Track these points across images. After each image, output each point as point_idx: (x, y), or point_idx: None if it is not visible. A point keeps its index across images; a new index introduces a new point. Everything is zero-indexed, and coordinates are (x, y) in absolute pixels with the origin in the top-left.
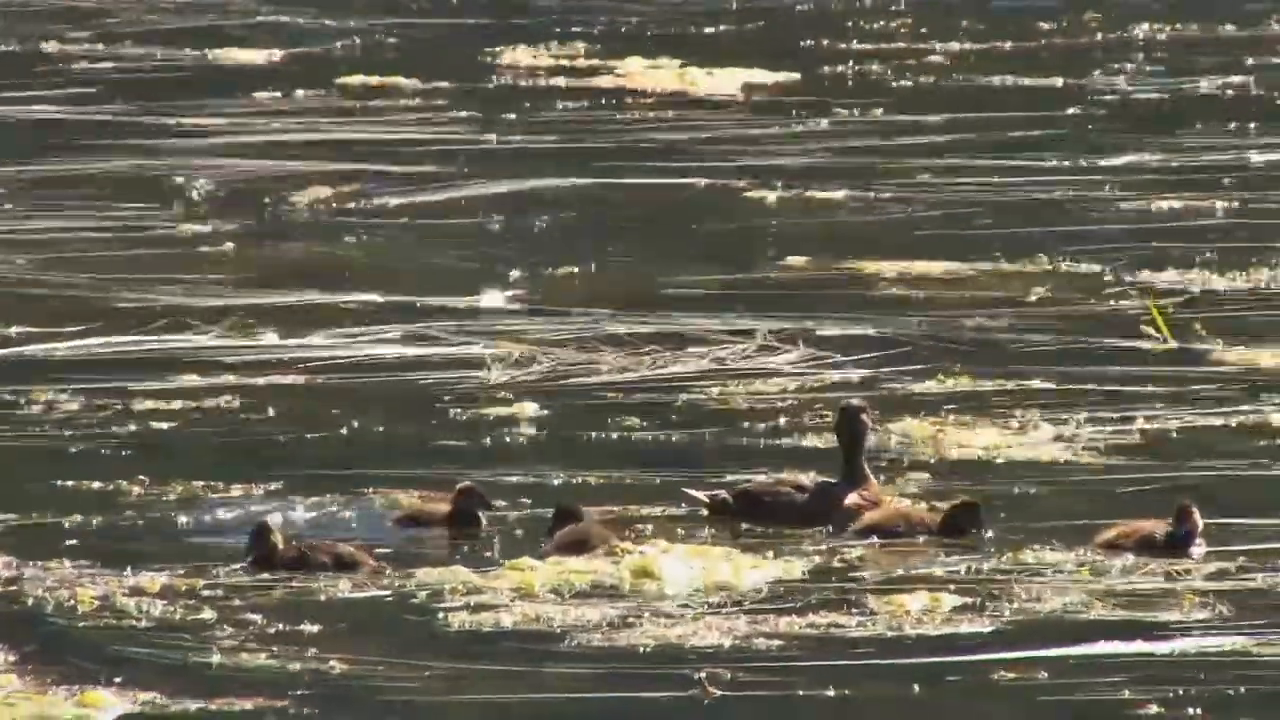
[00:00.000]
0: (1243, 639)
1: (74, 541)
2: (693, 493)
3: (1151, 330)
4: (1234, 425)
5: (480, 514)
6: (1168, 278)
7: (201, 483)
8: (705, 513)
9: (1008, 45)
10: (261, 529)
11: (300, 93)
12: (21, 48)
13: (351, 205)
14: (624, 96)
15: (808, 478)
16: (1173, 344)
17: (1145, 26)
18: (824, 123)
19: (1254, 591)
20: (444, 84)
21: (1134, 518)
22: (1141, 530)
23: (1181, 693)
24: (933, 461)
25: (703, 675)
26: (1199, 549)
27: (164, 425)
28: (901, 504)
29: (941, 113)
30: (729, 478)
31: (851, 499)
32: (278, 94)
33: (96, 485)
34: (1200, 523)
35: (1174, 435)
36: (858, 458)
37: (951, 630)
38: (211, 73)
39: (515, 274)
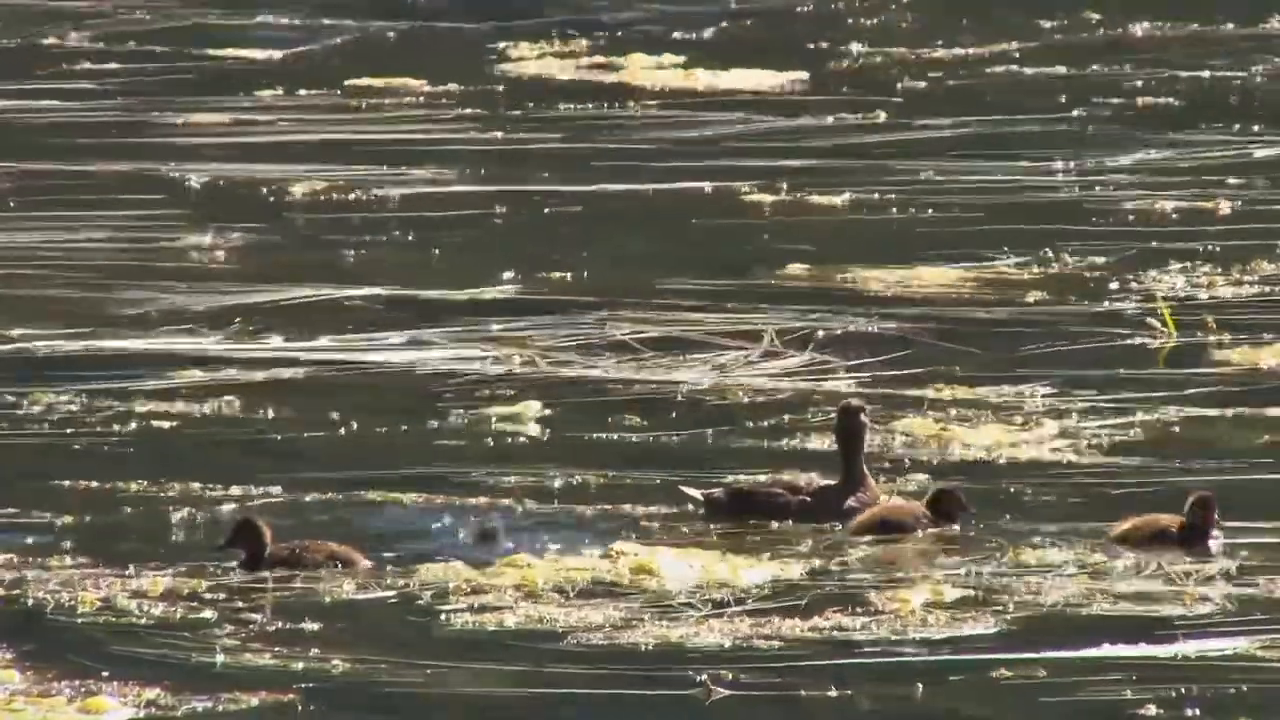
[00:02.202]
0: (1244, 639)
1: (75, 542)
2: (688, 491)
3: (1157, 324)
4: (1237, 423)
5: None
6: (1171, 276)
7: (202, 483)
8: (701, 511)
9: (1010, 44)
10: (247, 524)
11: (302, 92)
12: (21, 48)
13: (353, 205)
14: (628, 96)
15: (805, 478)
16: (1176, 339)
17: (1147, 25)
18: (828, 123)
19: (1256, 591)
20: (447, 83)
21: (1137, 514)
22: (1158, 523)
23: (1183, 693)
24: (935, 462)
25: (705, 677)
26: (1216, 542)
27: (165, 425)
28: (901, 501)
29: (944, 112)
30: (729, 478)
31: (849, 503)
32: (280, 94)
33: (97, 485)
34: (1217, 515)
35: (1176, 434)
36: (857, 459)
37: (953, 630)
38: (213, 72)
39: (518, 274)
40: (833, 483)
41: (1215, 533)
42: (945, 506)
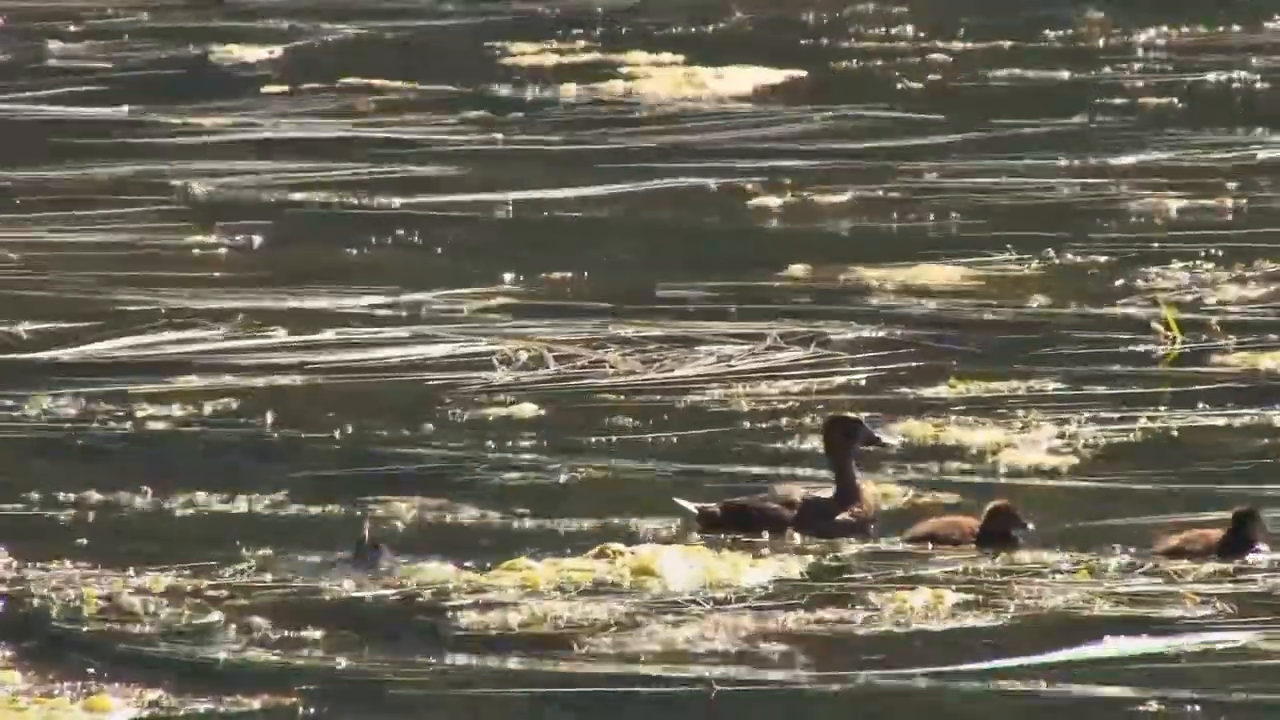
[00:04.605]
0: (1244, 639)
1: (77, 542)
2: (682, 503)
3: (1161, 328)
4: (1238, 427)
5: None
6: (1175, 277)
7: (203, 484)
8: (695, 524)
9: (1011, 44)
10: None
11: (303, 93)
12: (21, 48)
13: (354, 206)
14: (629, 97)
15: (799, 492)
16: (1181, 341)
17: (1150, 26)
18: (829, 123)
19: (1256, 592)
20: (447, 83)
21: (1132, 518)
22: (1210, 537)
23: (1183, 693)
24: (935, 462)
25: (708, 675)
26: (1261, 554)
27: (167, 426)
28: (951, 517)
29: (947, 112)
30: (725, 469)
31: (843, 516)
32: (281, 95)
33: (99, 486)
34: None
35: (1177, 436)
36: (848, 470)
37: (953, 630)
38: (214, 73)
39: (519, 275)
40: (825, 495)
41: (1261, 546)
42: (999, 525)
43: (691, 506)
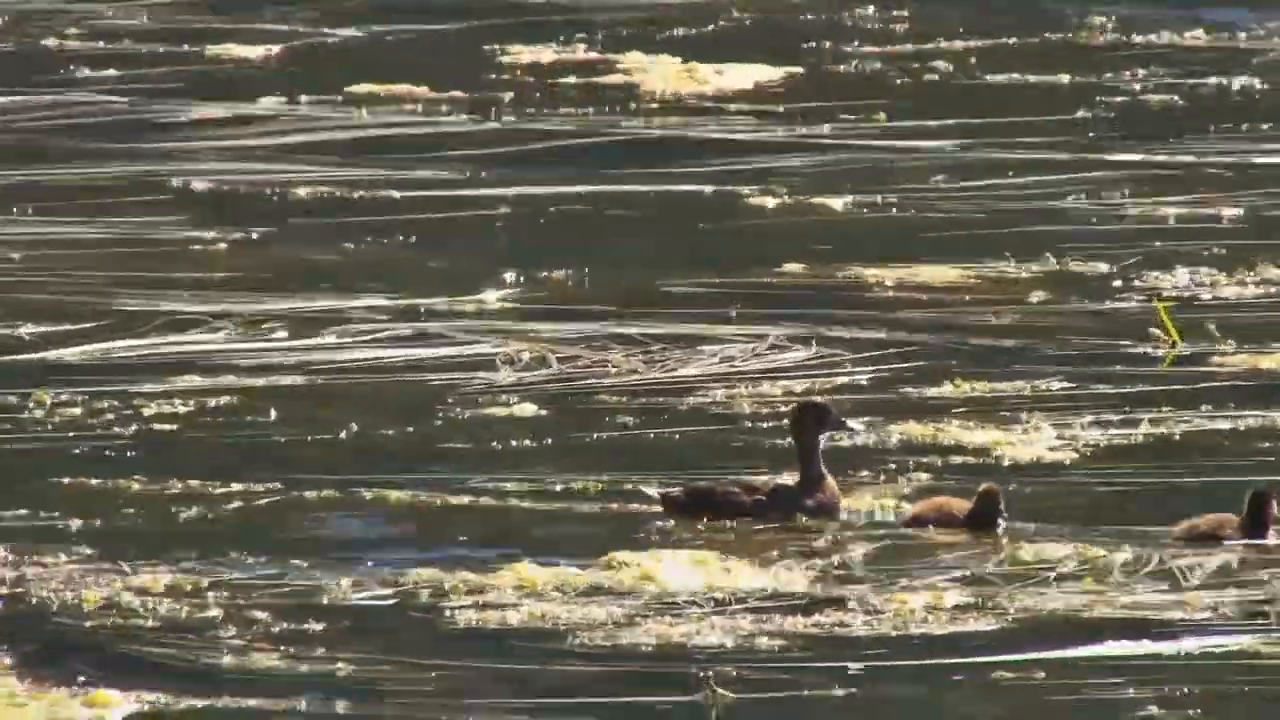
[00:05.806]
0: (1245, 639)
1: (78, 542)
2: (646, 489)
3: (1159, 332)
4: (1238, 427)
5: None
6: (1174, 280)
7: (204, 484)
8: (658, 510)
9: (1012, 43)
10: None
11: (303, 94)
12: (21, 48)
13: (356, 208)
14: (628, 97)
15: (764, 478)
16: (1180, 345)
17: (1150, 27)
18: (828, 125)
19: (1256, 591)
20: (447, 84)
21: (1134, 519)
22: (1229, 522)
23: (1183, 693)
24: (935, 462)
25: (709, 675)
26: (1274, 538)
27: (167, 427)
28: (941, 498)
29: (946, 114)
30: (726, 470)
31: (807, 503)
32: (280, 96)
33: (100, 486)
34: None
35: (1177, 437)
36: (813, 457)
37: (954, 630)
38: (214, 74)
39: (520, 276)
40: (789, 482)
41: (1274, 531)
42: (982, 508)
43: (654, 491)
